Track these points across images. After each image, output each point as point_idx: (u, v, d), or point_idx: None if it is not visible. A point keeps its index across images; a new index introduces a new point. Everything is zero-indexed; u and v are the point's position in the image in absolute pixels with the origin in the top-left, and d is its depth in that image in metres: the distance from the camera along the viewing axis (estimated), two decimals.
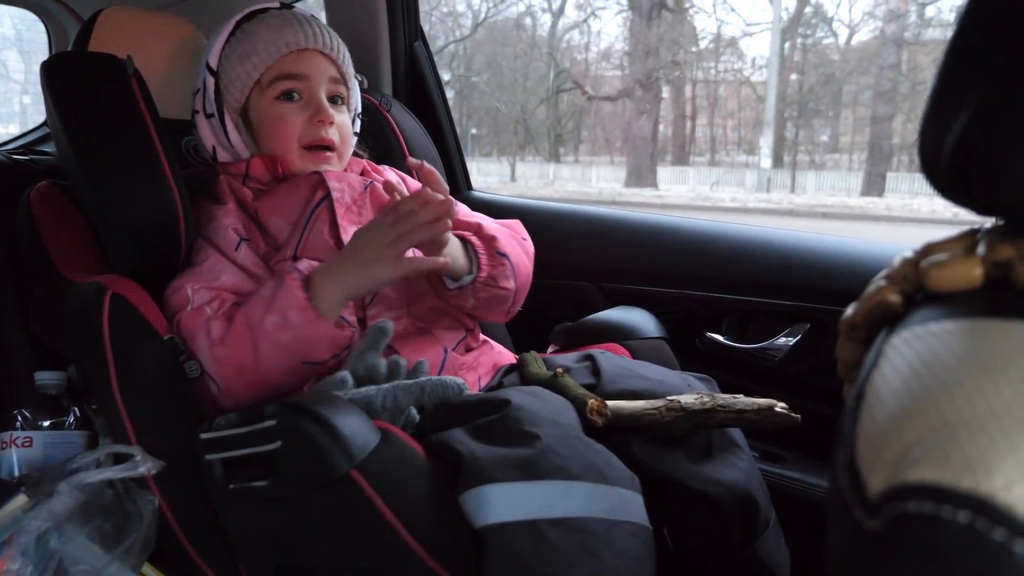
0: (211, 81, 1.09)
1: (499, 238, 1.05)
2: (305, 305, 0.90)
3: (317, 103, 1.07)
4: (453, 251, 0.99)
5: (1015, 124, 0.36)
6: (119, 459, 0.90)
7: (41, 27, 2.01)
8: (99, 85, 1.00)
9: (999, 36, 0.38)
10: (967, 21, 0.40)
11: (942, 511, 0.28)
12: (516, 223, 1.17)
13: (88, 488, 0.88)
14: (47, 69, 1.01)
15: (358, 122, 1.21)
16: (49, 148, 1.72)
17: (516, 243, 1.10)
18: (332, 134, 1.09)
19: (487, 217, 1.13)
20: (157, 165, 0.98)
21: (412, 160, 1.04)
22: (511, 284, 1.05)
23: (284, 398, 0.87)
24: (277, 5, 1.13)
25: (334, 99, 1.11)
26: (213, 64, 1.09)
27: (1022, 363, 0.31)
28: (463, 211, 1.15)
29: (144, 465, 0.86)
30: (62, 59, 1.07)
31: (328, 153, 1.09)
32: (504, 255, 1.04)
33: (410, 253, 0.95)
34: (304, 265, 0.95)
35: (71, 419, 1.03)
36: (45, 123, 1.91)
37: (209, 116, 1.10)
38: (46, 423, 1.01)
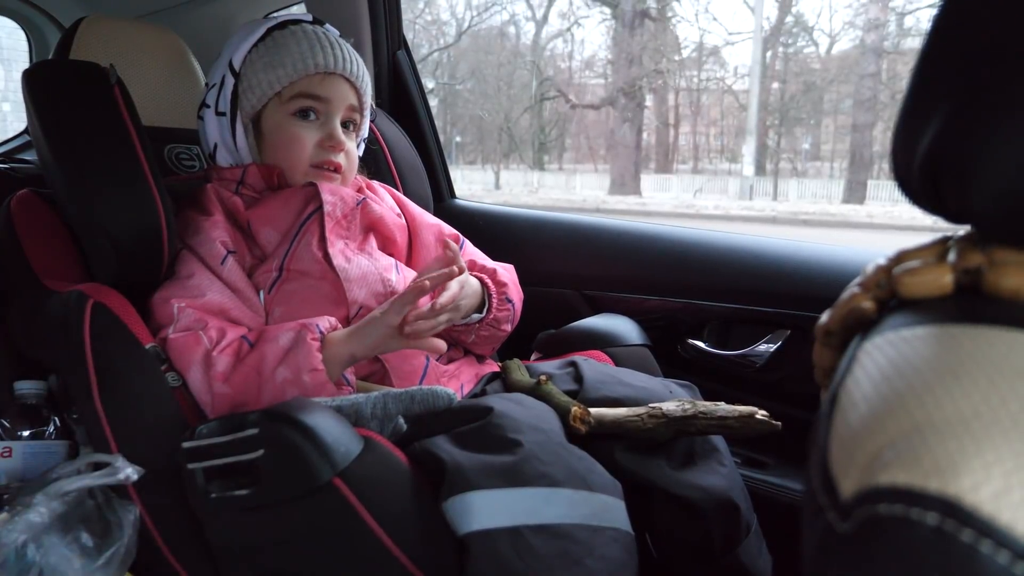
0: (231, 81, 1.08)
1: (509, 285, 1.13)
2: (319, 367, 0.90)
3: (330, 128, 1.08)
4: (471, 291, 1.05)
5: (983, 135, 0.37)
6: (99, 468, 0.89)
7: (21, 35, 2.00)
8: (81, 93, 0.99)
9: (967, 50, 0.39)
10: (937, 35, 0.41)
11: (912, 513, 0.28)
12: (511, 268, 1.20)
13: (68, 498, 0.87)
14: (28, 77, 1.00)
15: (363, 146, 1.22)
16: (30, 156, 1.71)
17: (518, 290, 1.17)
18: (340, 159, 1.10)
19: (492, 263, 1.18)
20: (140, 174, 0.98)
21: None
22: (509, 328, 1.13)
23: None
24: (310, 19, 1.12)
25: (346, 124, 1.12)
26: (236, 65, 1.08)
27: (990, 368, 0.32)
28: (477, 255, 1.22)
29: (124, 472, 0.85)
30: (44, 67, 1.07)
31: (334, 173, 1.10)
32: (511, 301, 1.12)
33: None
34: (325, 324, 0.94)
35: (51, 429, 1.02)
36: (26, 131, 1.90)
37: (220, 114, 1.09)
38: (26, 433, 1.00)
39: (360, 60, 1.12)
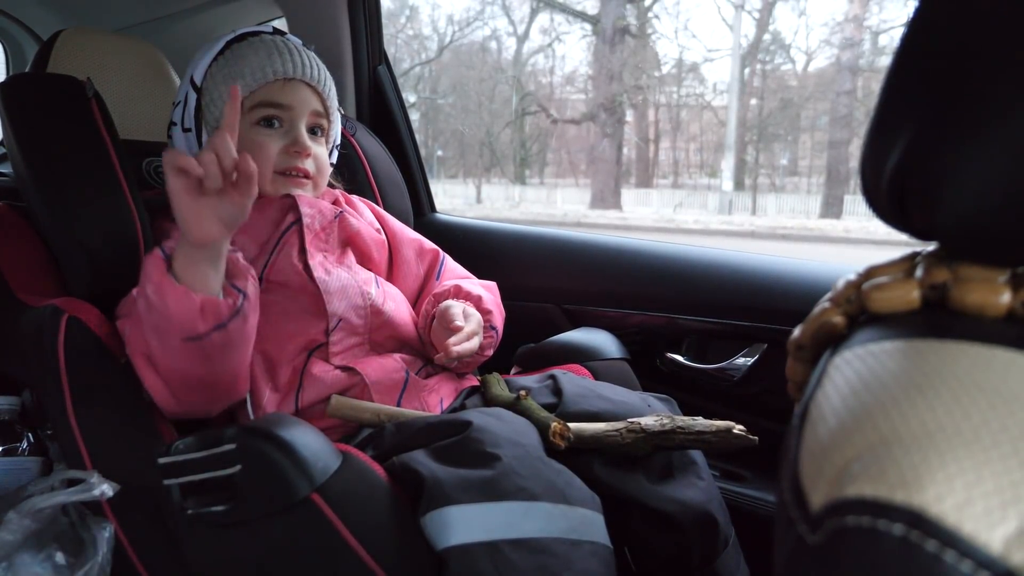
0: (193, 96, 1.08)
1: (494, 312, 1.13)
2: (161, 278, 0.80)
3: (295, 134, 1.08)
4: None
5: (946, 156, 0.38)
6: (74, 484, 0.88)
7: None
8: (58, 107, 0.99)
9: (933, 71, 0.40)
10: (903, 55, 0.42)
11: (879, 524, 0.29)
12: (493, 286, 1.21)
13: (41, 515, 0.86)
14: (4, 90, 1.00)
15: (336, 153, 1.21)
16: (5, 169, 1.69)
17: (500, 313, 1.17)
18: (308, 165, 1.09)
19: (479, 284, 1.18)
20: (116, 187, 0.98)
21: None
22: (491, 352, 1.13)
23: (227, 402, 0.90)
24: (269, 30, 1.12)
25: (313, 130, 1.11)
26: (198, 80, 1.08)
27: (953, 382, 0.32)
28: (458, 271, 1.25)
29: (99, 488, 0.84)
30: (20, 80, 1.06)
31: (303, 179, 1.09)
32: (495, 328, 1.12)
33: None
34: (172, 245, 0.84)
35: (24, 445, 1.01)
36: (1, 144, 1.88)
37: (187, 130, 1.09)
38: None
39: (322, 65, 1.12)
